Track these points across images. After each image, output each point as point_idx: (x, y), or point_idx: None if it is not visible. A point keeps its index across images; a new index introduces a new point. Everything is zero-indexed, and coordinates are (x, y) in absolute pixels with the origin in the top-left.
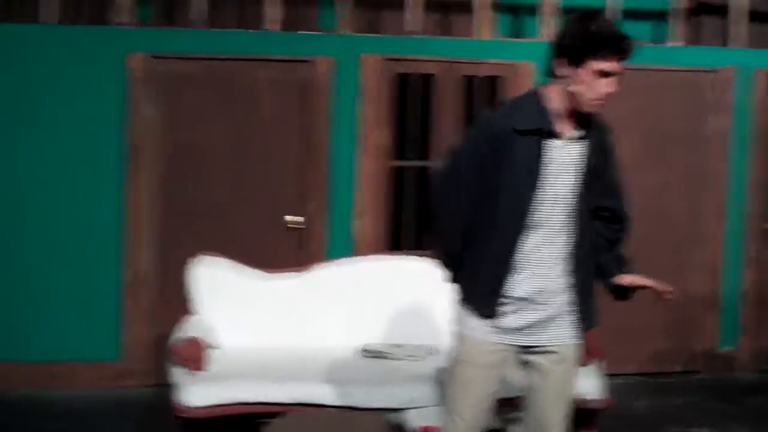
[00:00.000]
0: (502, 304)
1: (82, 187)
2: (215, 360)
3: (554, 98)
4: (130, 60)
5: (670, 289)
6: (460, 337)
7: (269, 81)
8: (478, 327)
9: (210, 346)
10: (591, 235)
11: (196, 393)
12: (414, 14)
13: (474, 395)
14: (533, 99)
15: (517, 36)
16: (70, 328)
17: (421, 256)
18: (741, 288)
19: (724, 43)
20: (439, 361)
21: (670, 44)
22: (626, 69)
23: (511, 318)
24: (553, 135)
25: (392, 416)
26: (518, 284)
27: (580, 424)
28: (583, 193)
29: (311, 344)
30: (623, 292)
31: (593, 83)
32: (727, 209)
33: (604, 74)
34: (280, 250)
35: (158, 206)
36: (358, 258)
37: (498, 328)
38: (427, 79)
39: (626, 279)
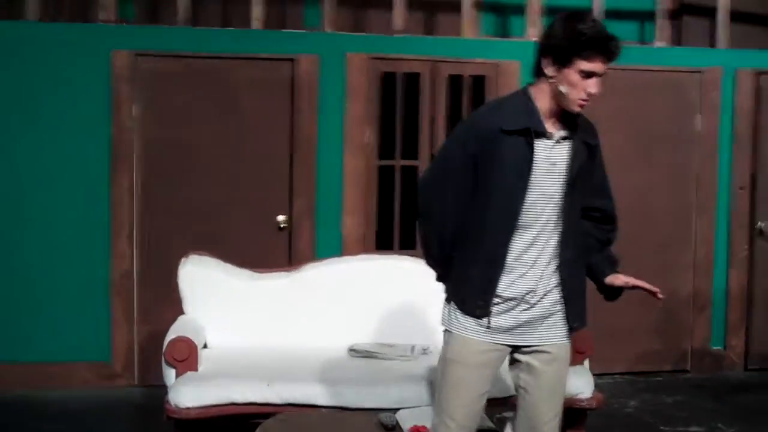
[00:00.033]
0: (493, 303)
1: (70, 187)
2: (206, 360)
3: (540, 98)
4: (115, 58)
5: (659, 290)
6: (451, 337)
7: (254, 79)
8: (469, 327)
9: (199, 346)
10: (581, 235)
11: (188, 393)
12: (399, 13)
13: (465, 395)
14: (521, 99)
15: (502, 35)
16: (65, 328)
17: (410, 255)
18: (729, 287)
19: (709, 44)
20: (430, 361)
21: (656, 45)
22: (612, 69)
23: (501, 318)
24: (541, 135)
25: (383, 416)
26: (509, 284)
27: (570, 424)
28: (571, 193)
29: (302, 344)
30: (614, 293)
31: (579, 83)
32: (714, 209)
33: (590, 74)
34: (268, 249)
35: (144, 205)
36: (348, 257)
37: (489, 327)
38: (412, 78)
39: (618, 280)
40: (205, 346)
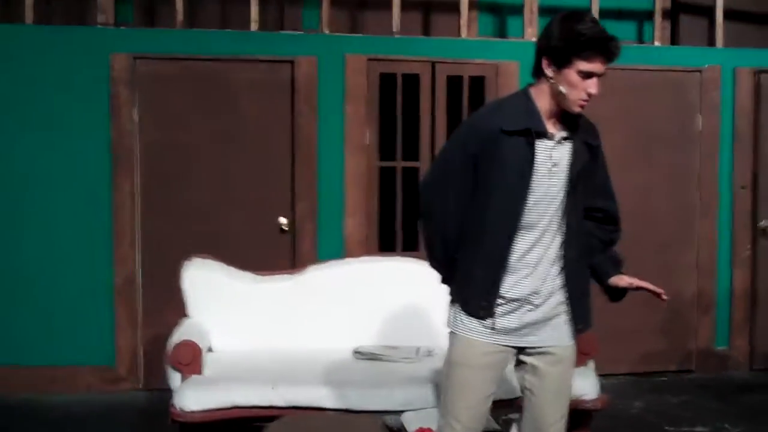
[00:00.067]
0: (497, 305)
1: (72, 191)
2: (209, 363)
3: (541, 98)
4: (114, 61)
5: (663, 291)
6: (455, 339)
7: (254, 81)
8: (473, 328)
9: (203, 350)
10: (583, 235)
11: (191, 397)
12: (397, 14)
13: (470, 397)
14: (521, 99)
15: (501, 36)
16: (69, 332)
17: (413, 256)
18: (733, 287)
19: (706, 43)
20: (434, 363)
21: (655, 44)
22: (611, 69)
23: (506, 319)
24: (542, 135)
25: (388, 419)
26: (512, 285)
27: (575, 425)
28: (574, 193)
29: (306, 347)
30: (618, 294)
31: (579, 84)
32: (716, 209)
33: (590, 75)
34: (271, 252)
35: (146, 208)
36: (351, 260)
37: (493, 329)
38: (411, 79)
39: (622, 281)
40: (209, 350)
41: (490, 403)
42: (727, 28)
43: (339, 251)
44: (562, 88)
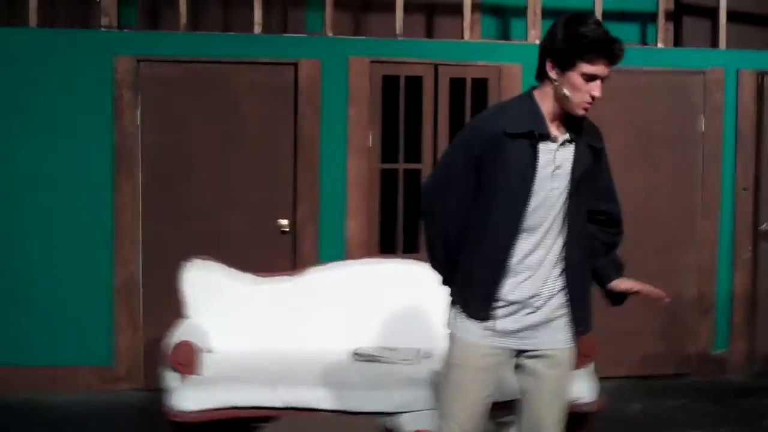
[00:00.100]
0: (497, 307)
1: (74, 192)
2: (208, 364)
3: (544, 101)
4: (117, 64)
5: (665, 294)
6: (454, 340)
7: (257, 84)
8: (472, 330)
9: (203, 350)
10: (585, 238)
11: (189, 397)
12: (400, 17)
13: (468, 399)
14: (524, 102)
15: (504, 38)
16: (69, 332)
17: (413, 258)
18: (733, 290)
19: (709, 45)
20: (433, 365)
21: (658, 46)
22: (614, 71)
23: (505, 321)
24: (545, 138)
25: (386, 420)
26: (513, 287)
27: (573, 427)
28: (576, 196)
29: (304, 348)
30: (619, 297)
31: (583, 86)
32: (718, 210)
33: (593, 77)
34: (271, 253)
35: (147, 210)
36: (351, 261)
37: (492, 331)
38: (414, 81)
39: (623, 284)
40: (208, 350)
41: (488, 405)
42: (730, 29)
43: (340, 253)
44: (566, 91)
